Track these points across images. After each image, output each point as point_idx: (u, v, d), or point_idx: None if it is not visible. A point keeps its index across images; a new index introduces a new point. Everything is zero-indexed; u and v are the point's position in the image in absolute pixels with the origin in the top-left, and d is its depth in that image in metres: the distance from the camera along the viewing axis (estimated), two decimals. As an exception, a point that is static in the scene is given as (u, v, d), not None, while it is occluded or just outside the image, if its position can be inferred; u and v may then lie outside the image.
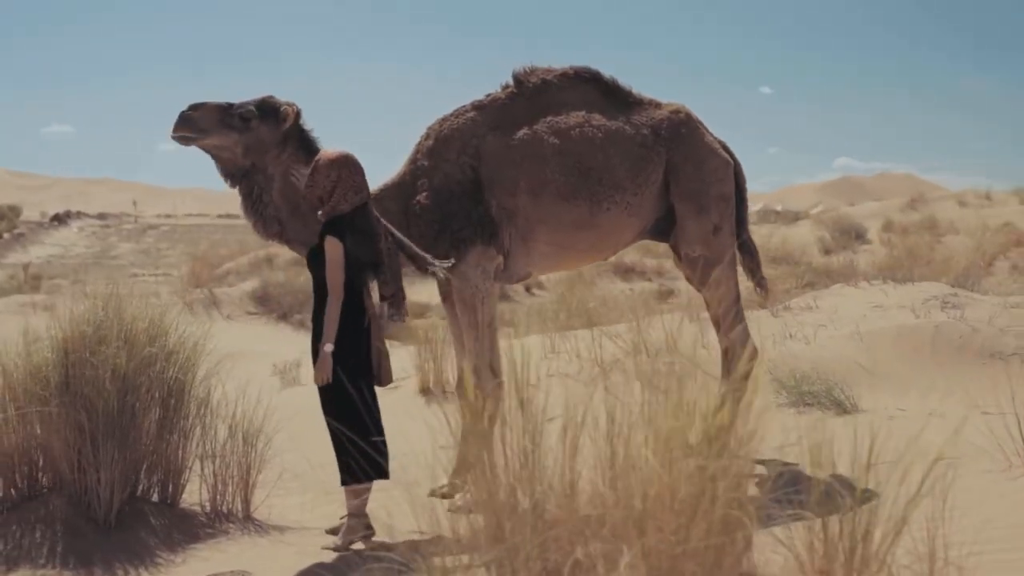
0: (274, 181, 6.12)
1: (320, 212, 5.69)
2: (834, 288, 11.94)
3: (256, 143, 6.07)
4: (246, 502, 6.14)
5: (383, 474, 5.60)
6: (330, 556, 5.43)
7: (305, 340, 6.58)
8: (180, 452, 6.12)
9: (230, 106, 6.08)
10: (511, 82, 6.49)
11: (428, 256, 5.93)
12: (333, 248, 5.51)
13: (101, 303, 6.06)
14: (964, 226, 30.94)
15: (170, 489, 6.13)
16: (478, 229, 6.13)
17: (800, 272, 18.06)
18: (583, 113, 6.34)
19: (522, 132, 6.26)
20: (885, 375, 8.66)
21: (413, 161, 6.37)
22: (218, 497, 6.12)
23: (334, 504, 6.25)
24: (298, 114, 6.15)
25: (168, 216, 75.86)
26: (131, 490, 5.94)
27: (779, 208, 53.01)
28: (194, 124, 6.03)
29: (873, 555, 3.36)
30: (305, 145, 6.17)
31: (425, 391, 9.97)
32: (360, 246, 5.58)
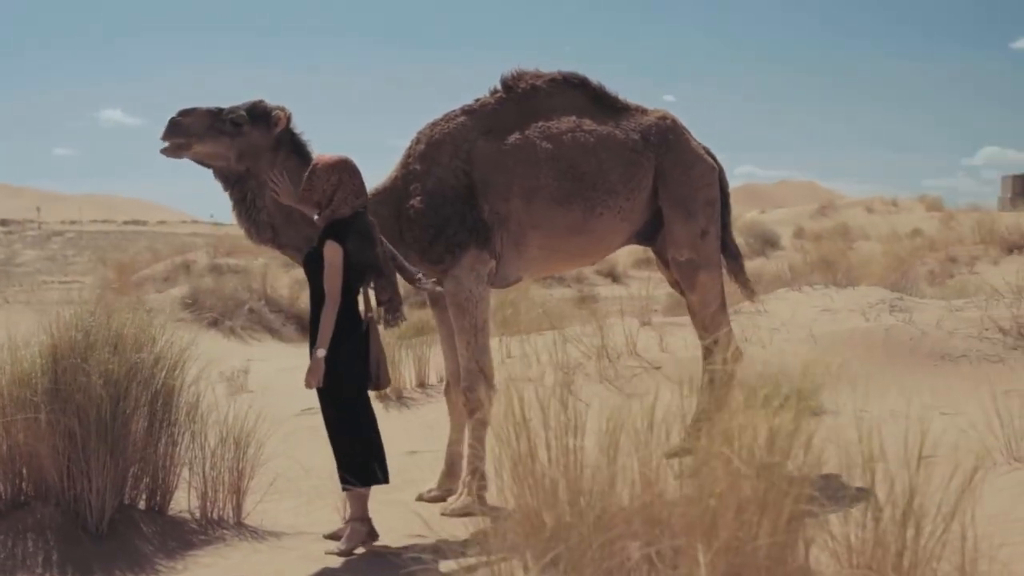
0: (266, 187, 6.09)
1: (318, 216, 5.67)
2: (778, 292, 12.15)
3: (248, 148, 6.04)
4: (237, 508, 6.08)
5: (384, 478, 5.60)
6: (335, 561, 5.41)
7: (238, 348, 6.58)
8: (169, 458, 6.05)
9: (220, 111, 6.04)
10: (499, 87, 6.52)
11: (415, 270, 5.94)
12: (333, 252, 5.49)
13: (89, 308, 5.97)
14: (875, 232, 31.74)
15: (158, 496, 6.05)
16: (472, 233, 6.15)
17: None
18: (574, 118, 6.40)
19: (514, 137, 6.29)
20: (841, 377, 8.85)
21: (404, 165, 6.36)
22: (208, 503, 6.06)
23: (326, 509, 6.24)
24: (289, 118, 6.12)
25: (73, 223, 74.28)
26: (120, 497, 5.86)
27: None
28: (184, 130, 5.98)
29: (922, 551, 3.46)
30: (297, 149, 6.15)
31: (382, 397, 9.93)
32: (361, 250, 5.57)
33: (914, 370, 8.99)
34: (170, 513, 6.05)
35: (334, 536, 5.73)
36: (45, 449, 5.72)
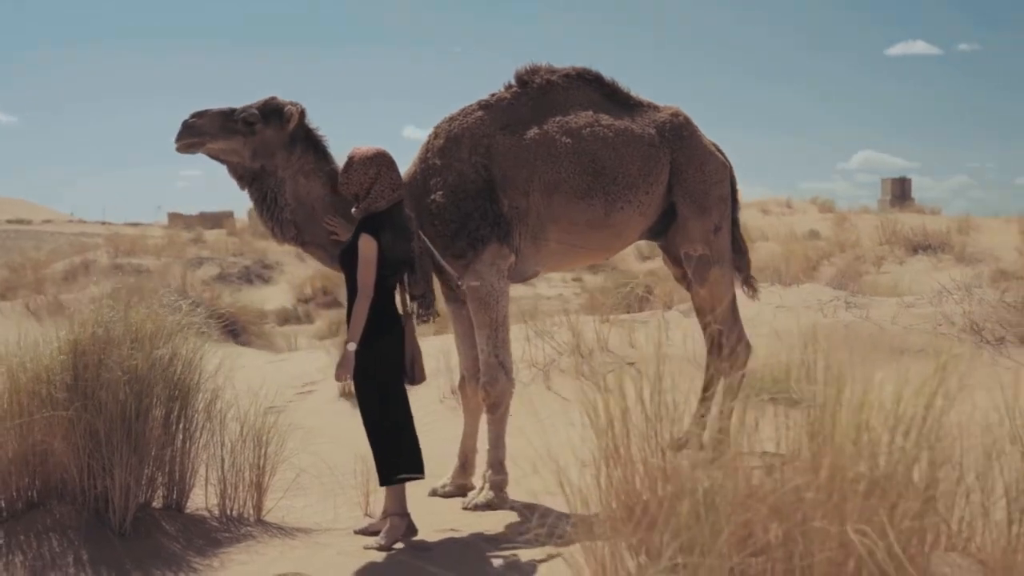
0: (286, 184, 6.06)
1: (354, 209, 5.64)
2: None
3: (263, 146, 6.01)
4: (258, 506, 6.02)
5: (421, 471, 5.59)
6: (376, 556, 5.38)
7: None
8: (189, 455, 5.95)
9: (232, 111, 6.01)
10: (513, 82, 6.55)
11: (455, 273, 6.02)
12: (368, 246, 5.46)
13: (109, 304, 5.85)
14: (772, 233, 32.45)
15: (174, 494, 5.95)
16: (494, 228, 6.16)
17: (629, 280, 18.49)
18: (591, 113, 6.45)
19: (532, 131, 6.32)
20: (807, 371, 9.08)
21: (423, 160, 6.36)
22: (227, 501, 5.98)
23: (347, 504, 6.23)
24: (302, 114, 6.08)
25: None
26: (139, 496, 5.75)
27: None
28: (197, 130, 5.95)
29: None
30: (313, 145, 6.13)
31: (347, 394, 9.89)
32: (395, 244, 5.56)
33: (878, 364, 9.23)
34: (188, 511, 5.95)
35: (365, 531, 5.71)
36: (64, 447, 5.60)
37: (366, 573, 5.17)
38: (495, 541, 5.52)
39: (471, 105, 6.45)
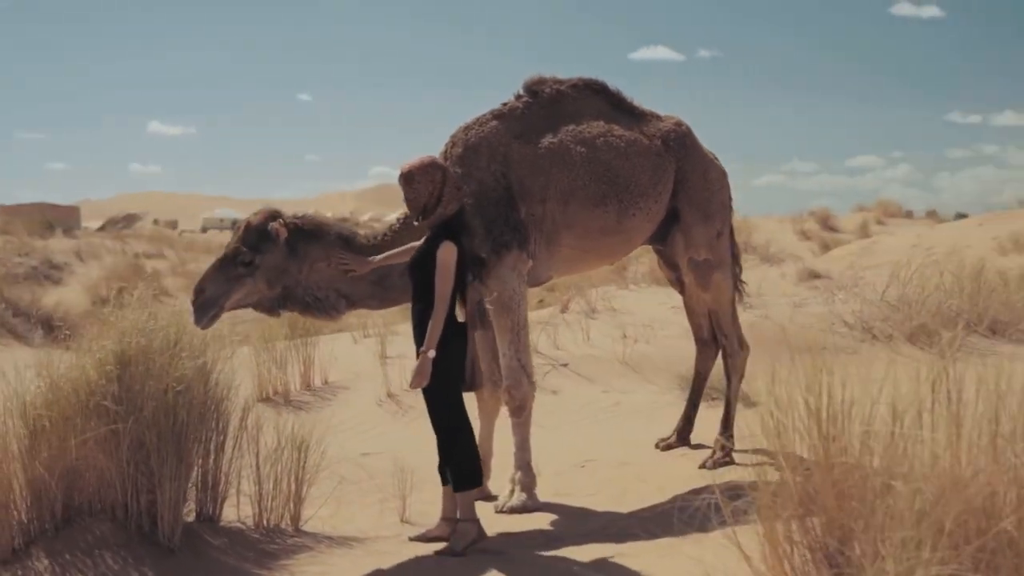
0: (311, 281, 6.20)
1: (423, 220, 5.61)
2: (605, 290, 12.75)
3: (272, 273, 6.10)
4: (296, 516, 5.93)
5: (482, 477, 5.66)
6: (451, 562, 5.39)
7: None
8: (227, 466, 5.82)
9: (225, 258, 6.05)
10: (523, 92, 6.67)
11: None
12: (448, 253, 5.46)
13: (147, 313, 5.65)
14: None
15: (209, 507, 5.81)
16: (515, 234, 6.28)
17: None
18: (602, 123, 6.65)
19: (547, 140, 6.47)
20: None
21: None
22: (264, 512, 5.88)
23: (387, 512, 6.22)
24: (287, 226, 6.10)
25: None
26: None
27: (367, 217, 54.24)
28: (211, 302, 5.96)
29: None
30: (311, 235, 6.22)
31: (271, 402, 9.65)
32: (468, 246, 5.63)
33: (786, 362, 9.77)
34: (223, 523, 5.81)
35: (423, 538, 5.72)
36: (109, 461, 5.39)
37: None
38: (560, 540, 5.65)
39: (485, 115, 6.56)
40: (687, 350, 9.91)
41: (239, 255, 6.00)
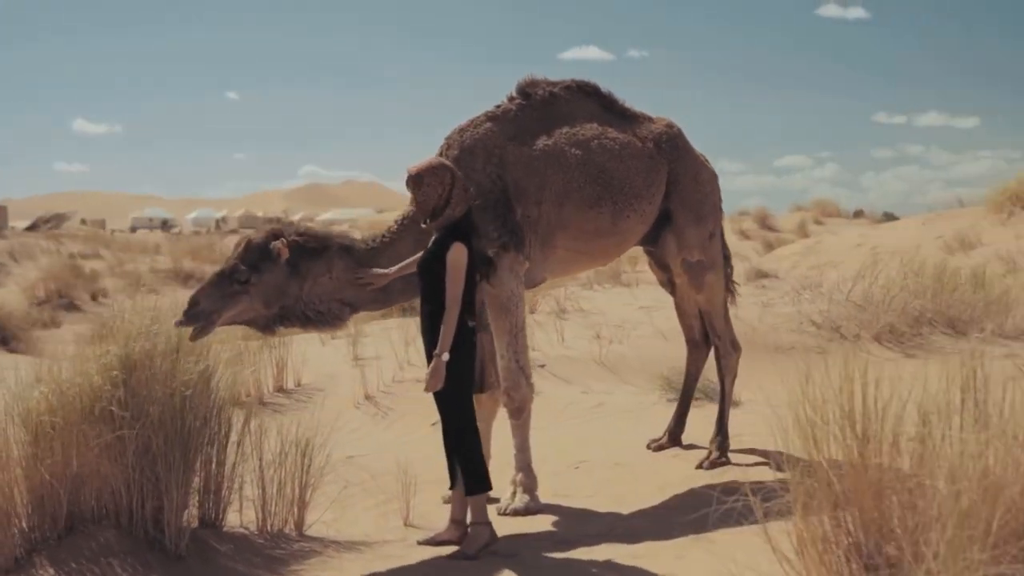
0: (314, 296, 6.12)
1: (431, 223, 5.58)
2: (572, 291, 12.80)
3: (271, 291, 6.00)
4: (300, 521, 5.87)
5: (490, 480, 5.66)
6: (464, 565, 5.38)
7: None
8: (230, 471, 5.75)
9: (222, 273, 5.94)
10: (516, 94, 6.67)
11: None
12: (459, 255, 5.44)
13: (150, 316, 5.56)
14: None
15: (211, 512, 5.73)
16: (512, 235, 6.28)
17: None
18: (595, 125, 6.66)
19: (541, 142, 6.47)
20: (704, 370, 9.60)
21: None
22: (267, 517, 5.82)
23: (389, 515, 6.19)
24: (289, 244, 6.01)
25: None
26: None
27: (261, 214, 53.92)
28: (203, 314, 5.82)
29: None
30: (314, 253, 6.13)
31: (242, 404, 9.56)
32: (478, 247, 5.61)
33: (758, 362, 9.85)
34: (226, 529, 5.74)
35: (431, 542, 5.69)
36: (114, 467, 5.30)
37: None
38: (569, 542, 5.65)
39: (479, 116, 6.54)
40: (661, 350, 10.03)
41: (236, 273, 5.89)
